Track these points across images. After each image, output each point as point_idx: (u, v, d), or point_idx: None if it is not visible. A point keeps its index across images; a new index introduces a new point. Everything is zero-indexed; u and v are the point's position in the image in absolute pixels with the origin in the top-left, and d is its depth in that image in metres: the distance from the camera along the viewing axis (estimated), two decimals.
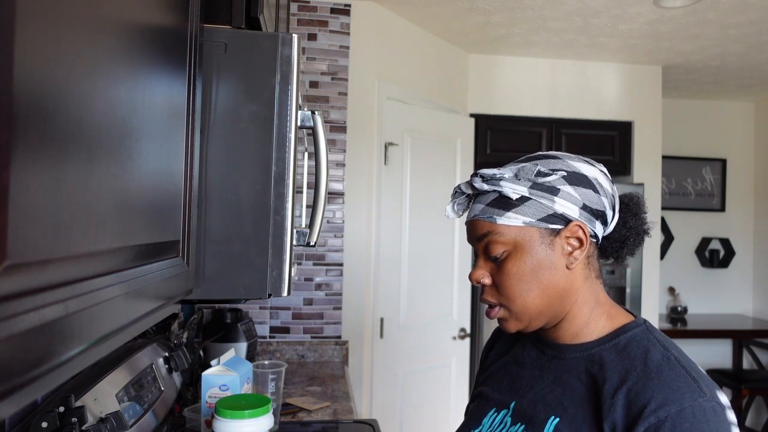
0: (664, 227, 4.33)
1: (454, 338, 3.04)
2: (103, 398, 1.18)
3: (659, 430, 0.71)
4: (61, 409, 0.97)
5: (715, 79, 3.80)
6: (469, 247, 3.10)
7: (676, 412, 0.71)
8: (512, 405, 0.88)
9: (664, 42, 3.08)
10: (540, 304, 0.83)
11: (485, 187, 0.84)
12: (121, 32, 0.48)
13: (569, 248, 0.83)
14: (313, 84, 2.61)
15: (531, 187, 0.82)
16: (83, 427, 0.98)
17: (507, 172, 0.84)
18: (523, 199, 0.82)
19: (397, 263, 2.76)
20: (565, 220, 0.82)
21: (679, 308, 4.26)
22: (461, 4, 2.64)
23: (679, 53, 3.27)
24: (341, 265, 2.62)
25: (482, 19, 2.82)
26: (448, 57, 3.18)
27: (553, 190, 0.81)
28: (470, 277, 0.87)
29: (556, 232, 0.82)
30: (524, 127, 3.44)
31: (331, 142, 2.61)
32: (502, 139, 3.41)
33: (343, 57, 2.63)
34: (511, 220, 0.82)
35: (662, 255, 4.30)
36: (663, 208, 4.12)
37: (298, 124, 0.89)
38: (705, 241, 4.42)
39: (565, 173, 0.82)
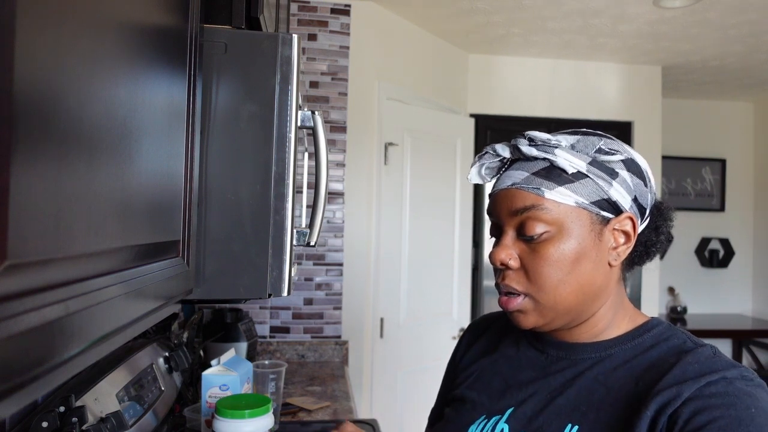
0: None
1: (454, 338, 3.03)
2: (104, 398, 1.18)
3: (712, 385, 0.63)
4: (62, 408, 0.97)
5: (714, 80, 3.80)
6: (468, 246, 3.10)
7: (731, 377, 0.64)
8: (508, 412, 0.77)
9: (663, 42, 3.08)
10: (573, 300, 0.72)
11: (534, 152, 0.71)
12: (121, 32, 0.48)
13: (614, 243, 0.73)
14: (313, 84, 2.61)
15: (590, 164, 0.71)
16: (83, 427, 0.98)
17: (563, 140, 0.72)
18: (578, 175, 0.70)
19: (397, 263, 2.76)
20: (617, 210, 0.72)
21: (678, 308, 4.26)
22: (461, 4, 2.63)
23: (679, 53, 3.27)
24: (341, 265, 2.62)
25: (482, 20, 2.82)
26: (448, 57, 3.18)
27: (612, 173, 0.71)
28: (492, 257, 0.74)
29: (606, 221, 0.72)
30: (524, 127, 3.43)
31: (331, 142, 2.61)
32: (502, 139, 3.33)
33: (343, 57, 2.62)
34: (562, 196, 0.70)
35: (662, 255, 4.29)
36: None
37: (298, 124, 0.89)
38: (705, 241, 4.42)
39: (624, 157, 0.72)
